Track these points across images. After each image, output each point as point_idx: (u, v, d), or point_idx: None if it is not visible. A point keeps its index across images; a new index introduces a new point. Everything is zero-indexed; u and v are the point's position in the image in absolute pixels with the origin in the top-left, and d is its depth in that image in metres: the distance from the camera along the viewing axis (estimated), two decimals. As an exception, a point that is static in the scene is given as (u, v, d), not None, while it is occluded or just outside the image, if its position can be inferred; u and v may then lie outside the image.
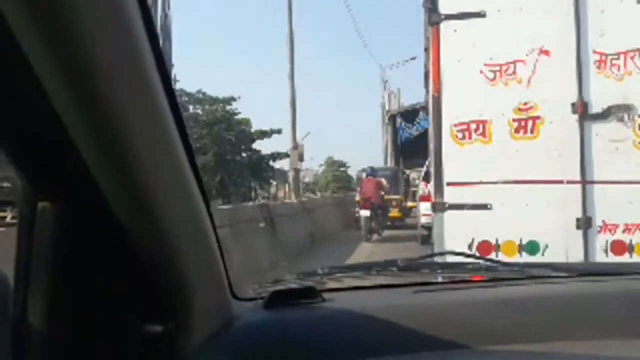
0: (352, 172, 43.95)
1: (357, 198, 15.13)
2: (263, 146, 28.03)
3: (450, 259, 2.63)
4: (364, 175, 16.08)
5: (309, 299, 1.10)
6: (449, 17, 4.69)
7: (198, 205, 0.83)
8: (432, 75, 4.88)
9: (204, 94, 25.78)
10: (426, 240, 10.03)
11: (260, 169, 26.43)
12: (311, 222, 13.16)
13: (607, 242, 4.48)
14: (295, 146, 18.13)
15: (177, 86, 26.10)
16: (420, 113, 23.95)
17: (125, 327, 0.80)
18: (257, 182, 28.32)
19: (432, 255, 2.22)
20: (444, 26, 4.71)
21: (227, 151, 25.47)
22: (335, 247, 12.46)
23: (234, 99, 25.81)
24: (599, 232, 4.52)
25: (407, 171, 17.45)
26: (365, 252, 11.50)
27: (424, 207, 10.70)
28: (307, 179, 45.94)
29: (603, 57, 4.53)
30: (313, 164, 47.72)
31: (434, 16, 4.75)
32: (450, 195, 4.75)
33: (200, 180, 0.83)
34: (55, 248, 0.75)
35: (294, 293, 1.14)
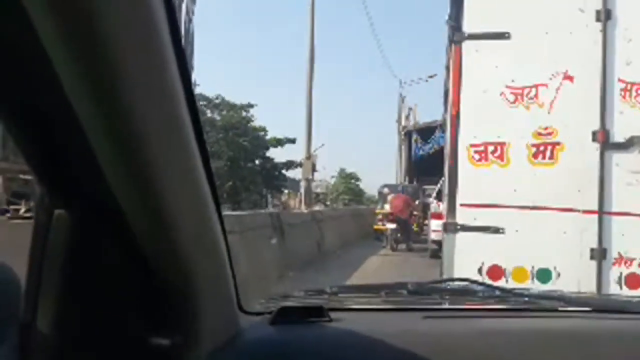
0: (363, 185, 44.08)
1: (378, 211, 17.08)
2: (277, 154, 28.34)
3: (461, 284, 2.57)
4: (385, 190, 17.56)
5: (316, 318, 1.09)
6: (472, 36, 4.63)
7: (212, 216, 0.83)
8: (452, 94, 4.81)
9: (222, 99, 25.96)
10: (435, 254, 10.58)
11: (273, 176, 26.64)
12: (320, 233, 13.75)
13: (621, 274, 4.37)
14: (309, 156, 18.00)
15: (197, 90, 26.36)
16: (437, 131, 24.00)
17: (133, 338, 0.80)
18: (269, 190, 28.39)
19: (443, 280, 2.23)
20: (466, 45, 4.65)
21: (241, 157, 25.52)
22: (353, 255, 13.54)
23: (251, 106, 26.08)
24: (614, 264, 4.41)
25: (428, 187, 17.86)
26: (375, 263, 12.60)
27: (435, 224, 11.38)
28: (319, 189, 46.02)
29: (628, 86, 4.44)
30: (325, 175, 47.81)
31: (457, 35, 4.69)
32: (463, 216, 4.66)
33: (215, 191, 0.83)
34: (68, 256, 0.76)
35: (301, 310, 1.13)
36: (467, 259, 4.56)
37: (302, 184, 18.68)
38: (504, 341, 1.11)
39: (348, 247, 14.88)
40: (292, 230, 10.52)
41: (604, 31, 4.45)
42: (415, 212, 16.31)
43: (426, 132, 25.63)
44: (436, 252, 10.29)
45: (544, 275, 4.43)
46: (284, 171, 27.46)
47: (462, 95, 4.67)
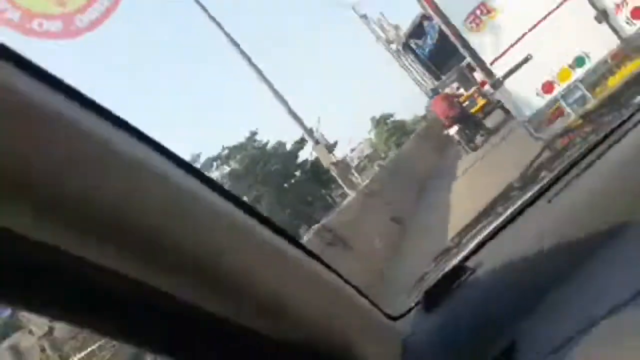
0: (399, 116, 43.37)
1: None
2: (308, 153, 26.66)
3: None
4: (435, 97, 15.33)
5: (460, 278, 1.04)
6: None
7: (308, 265, 0.78)
8: None
9: (227, 147, 25.35)
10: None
11: (321, 175, 24.61)
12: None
13: (627, 15, 5.34)
14: (317, 141, 14.92)
15: (202, 159, 25.52)
16: (424, 23, 24.42)
17: None
18: (327, 190, 26.79)
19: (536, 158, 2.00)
20: None
21: (281, 181, 24.54)
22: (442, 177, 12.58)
23: (255, 133, 24.99)
24: (617, 13, 5.38)
25: (464, 64, 15.94)
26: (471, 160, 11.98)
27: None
28: (365, 152, 45.65)
29: None
30: (358, 138, 46.71)
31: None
32: (498, 69, 5.76)
33: (298, 241, 0.77)
34: None
35: (442, 282, 1.06)
36: (524, 94, 5.67)
37: (333, 171, 14.84)
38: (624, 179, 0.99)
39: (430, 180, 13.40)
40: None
41: None
42: (463, 97, 14.83)
43: (417, 31, 25.94)
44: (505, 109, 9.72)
45: (579, 61, 5.48)
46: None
47: None
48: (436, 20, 6.17)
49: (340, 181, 14.78)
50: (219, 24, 14.37)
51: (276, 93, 14.49)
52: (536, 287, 0.90)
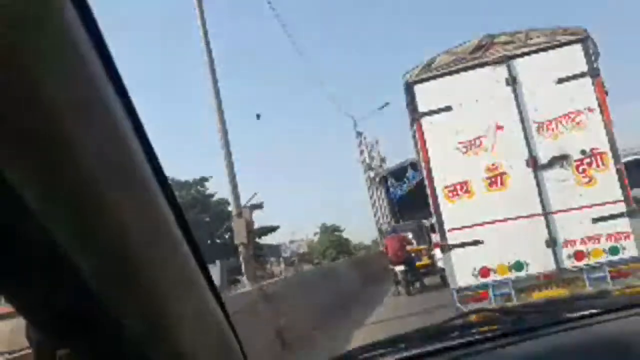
0: (346, 234, 44.04)
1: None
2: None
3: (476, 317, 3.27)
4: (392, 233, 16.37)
5: None
6: (426, 114, 6.63)
7: (212, 305, 0.79)
8: (422, 155, 6.74)
9: (172, 180, 24.64)
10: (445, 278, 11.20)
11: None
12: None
13: (570, 253, 6.23)
14: (239, 213, 12.92)
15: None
16: (409, 170, 25.94)
17: None
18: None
19: (459, 316, 2.34)
20: (424, 120, 6.63)
21: (206, 237, 24.21)
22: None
23: (205, 179, 24.48)
24: (563, 247, 6.26)
25: (425, 221, 17.62)
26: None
27: (439, 252, 12.14)
28: (302, 250, 45.92)
29: (540, 125, 6.42)
30: (307, 233, 46.90)
31: (416, 114, 6.68)
32: (452, 238, 6.51)
33: (209, 274, 0.77)
34: None
35: None
36: (463, 268, 6.40)
37: (241, 251, 12.83)
38: None
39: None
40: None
41: (514, 91, 6.47)
42: (415, 248, 16.03)
43: (399, 172, 27.40)
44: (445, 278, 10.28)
45: (518, 266, 6.28)
46: (256, 239, 26.16)
47: (430, 155, 6.61)
48: (426, 180, 6.93)
49: (242, 266, 13.16)
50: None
51: (228, 157, 13.22)
52: None
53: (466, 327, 1.74)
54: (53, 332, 0.66)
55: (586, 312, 1.45)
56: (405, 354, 1.37)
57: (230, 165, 13.22)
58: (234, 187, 13.21)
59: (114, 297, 0.63)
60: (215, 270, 24.26)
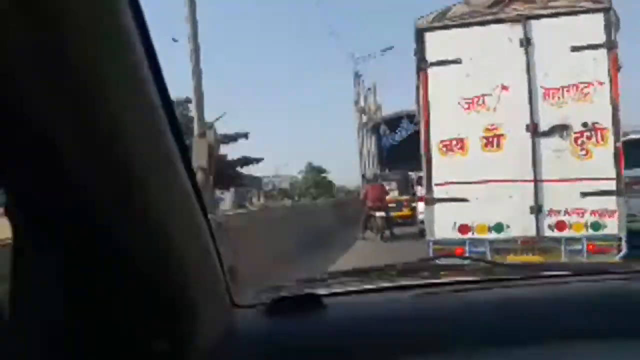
0: (331, 177, 44.38)
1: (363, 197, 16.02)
2: (229, 151, 27.33)
3: (448, 261, 3.05)
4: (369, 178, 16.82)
5: (309, 306, 1.10)
6: (434, 64, 6.45)
7: (200, 218, 0.85)
8: (423, 105, 6.62)
9: None
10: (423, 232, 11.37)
11: (226, 176, 24.18)
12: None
13: (552, 222, 6.24)
14: (203, 132, 11.18)
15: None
16: (403, 120, 25.74)
17: (125, 341, 0.79)
18: (222, 191, 26.31)
19: (431, 258, 2.42)
20: (431, 71, 6.46)
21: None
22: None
23: (189, 101, 23.78)
24: (547, 215, 6.27)
25: (412, 174, 18.02)
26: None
27: (422, 206, 12.05)
28: (283, 185, 46.15)
29: (547, 91, 6.30)
30: (290, 170, 47.06)
31: (423, 63, 6.50)
32: (438, 192, 6.49)
33: (200, 195, 0.84)
34: (55, 259, 0.73)
35: (294, 300, 1.13)
36: (443, 222, 6.41)
37: (199, 175, 9.42)
38: (496, 311, 1.13)
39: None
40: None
41: (527, 53, 6.30)
42: (398, 197, 17.08)
43: (394, 122, 27.19)
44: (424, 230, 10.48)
45: (498, 227, 6.29)
46: (238, 169, 25.72)
47: (430, 107, 6.49)
48: (421, 136, 6.83)
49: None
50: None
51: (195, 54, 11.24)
52: (363, 356, 1.00)
53: (436, 269, 1.81)
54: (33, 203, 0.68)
55: (556, 273, 1.53)
56: (371, 285, 1.42)
57: (197, 72, 11.29)
58: (199, 99, 11.44)
59: (105, 192, 0.66)
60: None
